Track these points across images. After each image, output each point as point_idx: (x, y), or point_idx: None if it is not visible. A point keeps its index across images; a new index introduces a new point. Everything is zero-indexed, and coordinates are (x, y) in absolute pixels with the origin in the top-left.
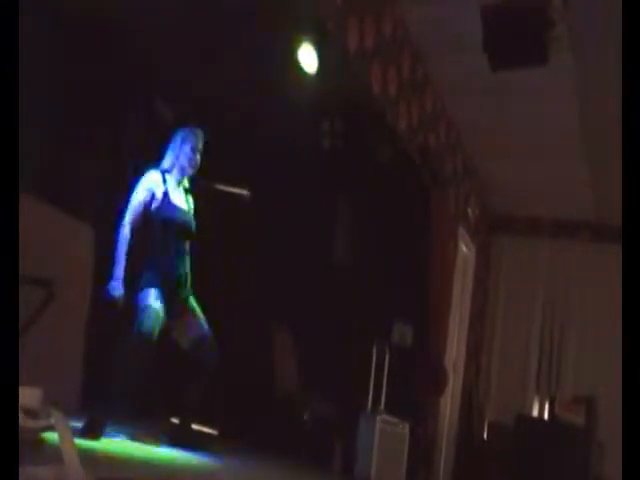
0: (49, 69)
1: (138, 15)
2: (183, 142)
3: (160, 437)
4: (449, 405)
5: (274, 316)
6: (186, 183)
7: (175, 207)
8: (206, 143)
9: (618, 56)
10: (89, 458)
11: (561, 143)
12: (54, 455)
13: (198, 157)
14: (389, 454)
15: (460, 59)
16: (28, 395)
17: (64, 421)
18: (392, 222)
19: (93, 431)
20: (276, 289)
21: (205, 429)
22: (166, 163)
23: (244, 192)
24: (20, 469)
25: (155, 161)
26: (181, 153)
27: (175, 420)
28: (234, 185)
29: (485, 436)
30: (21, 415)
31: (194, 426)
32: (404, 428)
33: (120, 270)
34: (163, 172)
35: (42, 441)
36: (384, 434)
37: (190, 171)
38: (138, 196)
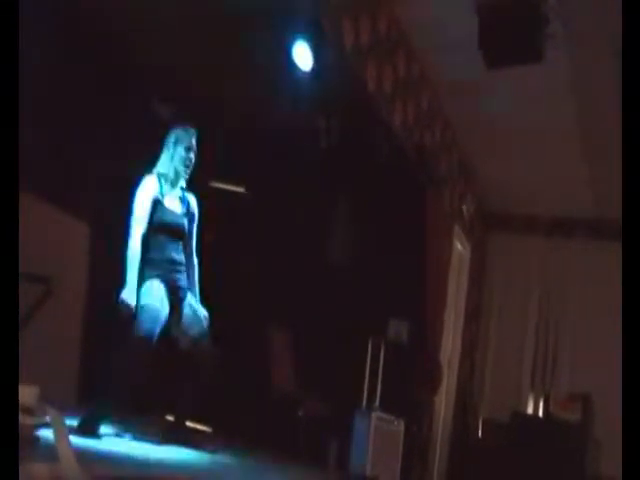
0: (48, 69)
1: (138, 15)
2: (176, 143)
3: (155, 434)
4: (444, 402)
5: (270, 314)
6: (182, 183)
7: (168, 210)
8: (201, 141)
9: (613, 52)
10: (85, 455)
11: (557, 140)
12: (50, 452)
13: (192, 156)
14: (384, 451)
15: (455, 57)
16: (24, 392)
17: (60, 418)
18: (388, 220)
19: (89, 428)
20: (272, 287)
21: (200, 427)
22: (161, 166)
23: (241, 190)
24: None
25: (150, 164)
26: (175, 154)
27: (170, 418)
28: (231, 183)
29: (480, 433)
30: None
31: (189, 424)
32: (399, 425)
33: (134, 278)
34: (159, 176)
35: (38, 438)
36: (379, 431)
37: (186, 171)
38: (142, 206)
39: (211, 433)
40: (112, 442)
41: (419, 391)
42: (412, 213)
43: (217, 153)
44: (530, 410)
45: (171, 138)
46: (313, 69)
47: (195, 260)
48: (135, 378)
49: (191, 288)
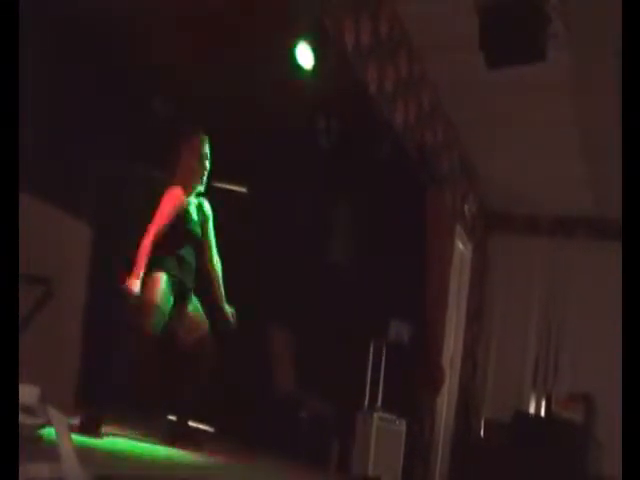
0: (49, 69)
1: (138, 15)
2: (191, 153)
3: (157, 434)
4: (446, 402)
5: (272, 315)
6: (199, 189)
7: (186, 217)
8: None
9: (616, 52)
10: (86, 455)
11: (559, 140)
12: (51, 452)
13: (207, 163)
14: (386, 451)
15: (457, 56)
16: (26, 392)
17: (61, 418)
18: (389, 220)
19: (90, 428)
20: (273, 287)
21: (202, 427)
22: (179, 176)
23: (242, 190)
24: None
25: (165, 171)
26: (191, 164)
27: (172, 417)
28: (232, 183)
29: (482, 433)
30: (19, 413)
31: (191, 423)
32: (401, 425)
33: (140, 269)
34: (181, 187)
35: (40, 438)
36: (381, 431)
37: (201, 179)
38: (165, 214)
39: (213, 433)
40: (114, 442)
41: (421, 391)
42: (413, 213)
43: (218, 153)
44: (532, 410)
45: (187, 149)
46: (314, 68)
47: (217, 264)
48: (136, 376)
49: (195, 287)
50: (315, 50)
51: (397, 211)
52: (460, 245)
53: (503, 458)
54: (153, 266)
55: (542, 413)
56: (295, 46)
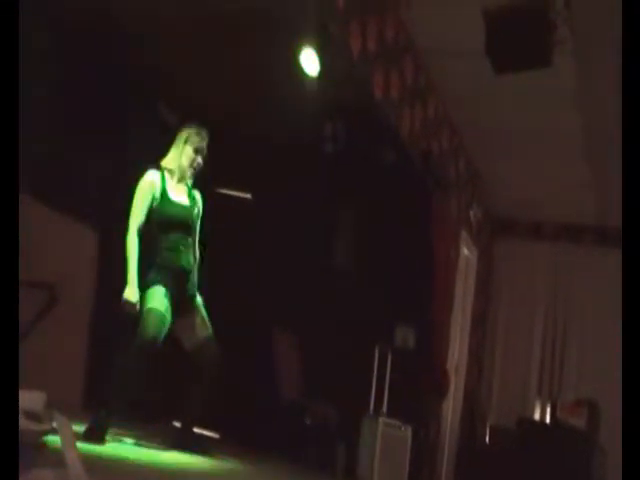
0: (51, 70)
1: (140, 16)
2: (186, 142)
3: (162, 441)
4: (451, 408)
5: (276, 320)
6: (188, 180)
7: (175, 203)
8: (209, 145)
9: (620, 58)
10: (92, 462)
11: (564, 147)
12: (57, 459)
13: (200, 158)
14: (391, 457)
15: (463, 63)
16: (31, 398)
17: (67, 424)
18: (395, 225)
19: (96, 435)
20: (278, 293)
21: (207, 433)
22: (167, 161)
23: (247, 196)
24: (23, 473)
25: (157, 158)
26: (183, 154)
27: (177, 424)
28: (236, 189)
29: (487, 439)
30: (23, 418)
31: (196, 430)
32: (406, 431)
33: (134, 276)
34: (163, 170)
35: (44, 445)
36: (386, 437)
37: (191, 172)
38: (140, 201)
39: (218, 439)
40: (119, 448)
41: (426, 397)
42: (419, 219)
43: (222, 159)
44: (537, 416)
45: (182, 136)
46: (320, 74)
47: (197, 255)
48: (139, 382)
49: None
50: (321, 56)
51: (403, 217)
52: (465, 250)
53: (508, 464)
54: (153, 274)
55: (547, 419)
56: (301, 52)
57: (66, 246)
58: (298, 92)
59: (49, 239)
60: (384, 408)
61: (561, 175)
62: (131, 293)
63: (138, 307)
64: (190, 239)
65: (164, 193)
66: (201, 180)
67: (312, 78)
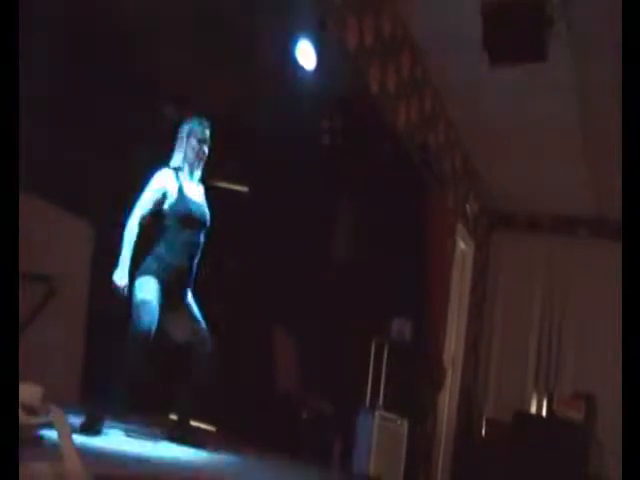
0: (51, 68)
1: (138, 15)
2: (189, 135)
3: (159, 433)
4: (448, 401)
5: (273, 313)
6: (198, 175)
7: (191, 201)
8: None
9: (617, 53)
10: (88, 455)
11: (560, 140)
12: (53, 452)
13: (205, 148)
14: (387, 451)
15: (459, 56)
16: (27, 392)
17: (63, 418)
18: (391, 219)
19: (92, 427)
20: (275, 286)
21: (204, 426)
22: (175, 159)
23: (243, 189)
24: (19, 466)
25: (164, 158)
26: (188, 147)
27: (174, 417)
28: (233, 183)
29: (483, 432)
30: (20, 412)
31: (193, 423)
32: (402, 425)
33: (126, 260)
34: (175, 169)
35: (41, 438)
36: (382, 431)
37: (199, 163)
38: (149, 194)
39: (215, 432)
40: (115, 441)
41: (423, 390)
42: (415, 212)
43: (219, 153)
44: (533, 409)
45: (184, 131)
46: (316, 68)
47: None
48: (134, 374)
49: (193, 284)
50: (318, 50)
51: (399, 210)
52: (462, 244)
53: (504, 457)
54: (150, 263)
55: (544, 412)
56: (298, 45)
57: (63, 240)
58: (295, 86)
59: (46, 233)
60: (380, 401)
61: (557, 168)
62: (120, 276)
63: (126, 290)
64: (202, 237)
65: (180, 191)
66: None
67: (309, 72)
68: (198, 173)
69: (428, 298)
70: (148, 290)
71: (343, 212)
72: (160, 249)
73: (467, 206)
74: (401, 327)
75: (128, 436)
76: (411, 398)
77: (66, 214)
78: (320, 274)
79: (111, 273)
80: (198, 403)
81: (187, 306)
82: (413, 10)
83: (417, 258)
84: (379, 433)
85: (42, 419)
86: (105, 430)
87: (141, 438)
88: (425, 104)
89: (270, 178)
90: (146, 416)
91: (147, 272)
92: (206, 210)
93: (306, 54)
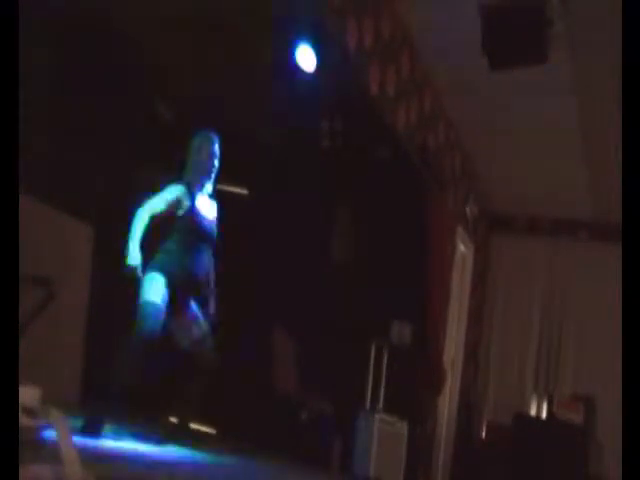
0: (50, 69)
1: (139, 15)
2: (199, 150)
3: (159, 436)
4: (447, 404)
5: (273, 315)
6: (209, 189)
7: (202, 217)
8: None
9: (617, 54)
10: (88, 456)
11: (560, 142)
12: (53, 454)
13: (216, 161)
14: (387, 453)
15: (459, 59)
16: (27, 394)
17: (63, 420)
18: (391, 221)
19: (92, 429)
20: (274, 288)
21: (204, 428)
22: (187, 175)
23: (244, 192)
24: (19, 468)
25: (173, 170)
26: (199, 162)
27: (174, 419)
28: (233, 185)
29: (483, 435)
30: (20, 414)
31: (193, 425)
32: (402, 427)
33: (135, 241)
34: (187, 184)
35: (41, 440)
36: (382, 433)
37: (210, 177)
38: (163, 197)
39: (215, 435)
40: (115, 443)
41: (422, 393)
42: (415, 214)
43: (219, 155)
44: (533, 411)
45: (194, 146)
46: (316, 70)
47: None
48: (136, 377)
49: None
50: (317, 51)
51: (399, 212)
52: (462, 246)
53: (504, 459)
54: (151, 268)
55: (543, 414)
56: (297, 47)
57: (63, 242)
58: (295, 88)
59: (46, 235)
60: (380, 404)
61: (557, 170)
62: (132, 257)
63: (140, 271)
64: (210, 250)
65: (193, 206)
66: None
67: (309, 74)
68: (209, 187)
69: (428, 300)
70: (155, 291)
71: (342, 214)
72: (171, 246)
73: (467, 208)
74: (401, 329)
75: (128, 438)
76: (411, 400)
77: (66, 216)
78: (320, 276)
79: (111, 274)
80: (198, 405)
81: (192, 308)
82: (413, 11)
83: (417, 260)
84: (379, 435)
85: (42, 421)
86: (105, 432)
87: (141, 440)
88: (425, 105)
89: (270, 180)
90: (146, 418)
91: (156, 268)
92: (214, 226)
93: (306, 56)
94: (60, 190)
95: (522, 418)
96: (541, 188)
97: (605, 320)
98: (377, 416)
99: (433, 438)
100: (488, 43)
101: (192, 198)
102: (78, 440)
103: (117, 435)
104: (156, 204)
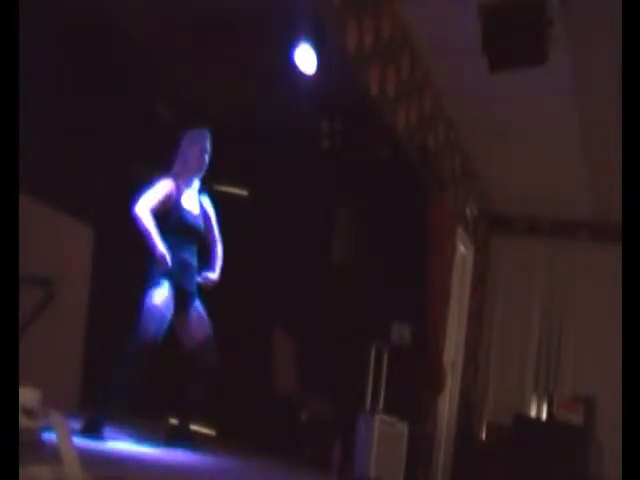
0: (50, 69)
1: (138, 15)
2: (190, 145)
3: (159, 437)
4: (447, 405)
5: (273, 316)
6: (197, 185)
7: (186, 211)
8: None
9: (617, 55)
10: (88, 458)
11: (560, 143)
12: (53, 455)
13: (206, 158)
14: (388, 454)
15: (459, 59)
16: (27, 395)
17: (62, 421)
18: (391, 222)
19: (92, 431)
20: (275, 289)
21: (204, 429)
22: (176, 168)
23: (244, 193)
24: (20, 469)
25: (164, 165)
26: (189, 156)
27: (174, 420)
28: (234, 186)
29: (483, 436)
30: (20, 415)
31: (193, 426)
32: (402, 428)
33: (156, 234)
34: (175, 178)
35: (41, 441)
36: (383, 434)
37: (199, 173)
38: (155, 193)
39: (215, 436)
40: (115, 444)
41: (422, 393)
42: (415, 215)
43: (219, 156)
44: (533, 413)
45: (185, 140)
46: (316, 71)
47: (218, 259)
48: (137, 379)
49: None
50: (317, 51)
51: (399, 213)
52: (462, 247)
53: (504, 460)
54: (155, 275)
55: (543, 415)
56: (297, 47)
57: (63, 243)
58: (295, 89)
59: (46, 235)
60: (380, 405)
61: (557, 171)
62: (161, 250)
63: (169, 259)
64: (196, 245)
65: (178, 200)
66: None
67: (309, 75)
68: (197, 182)
69: (428, 301)
70: (159, 296)
71: (342, 215)
72: (166, 244)
73: (467, 209)
74: (401, 330)
75: (128, 440)
76: (411, 401)
77: (66, 216)
78: (320, 276)
79: (111, 275)
80: (198, 407)
81: (195, 310)
82: (413, 11)
83: (417, 261)
84: (379, 436)
85: (42, 422)
86: (105, 433)
87: (141, 442)
88: (425, 106)
89: (270, 181)
90: (146, 420)
91: (157, 281)
92: (201, 221)
93: (305, 56)
94: (60, 190)
95: (522, 419)
96: (541, 189)
97: (605, 321)
98: (377, 417)
99: (433, 439)
100: (488, 43)
101: (179, 193)
102: (78, 441)
103: (117, 436)
104: (150, 200)
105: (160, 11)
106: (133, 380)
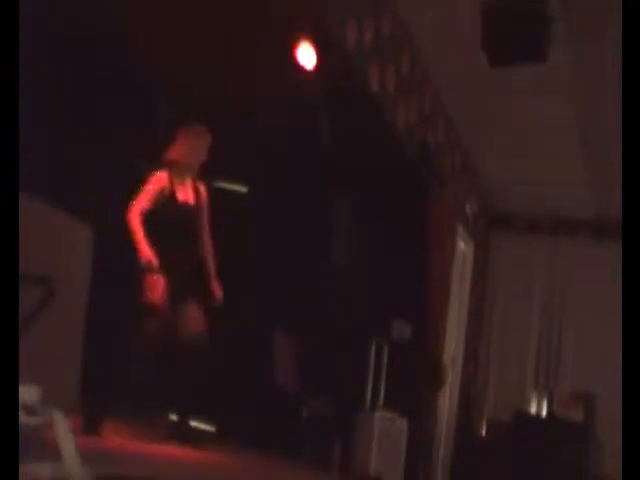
0: (49, 69)
1: (138, 15)
2: (188, 139)
3: (158, 434)
4: (447, 401)
5: (273, 313)
6: (192, 179)
7: (180, 205)
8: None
9: (617, 53)
10: (88, 455)
11: (560, 140)
12: (53, 452)
13: (204, 153)
14: (388, 450)
15: (459, 56)
16: (27, 392)
17: (63, 418)
18: (391, 219)
19: (92, 428)
20: (274, 286)
21: (203, 426)
22: (173, 161)
23: (243, 190)
24: (20, 467)
25: (161, 160)
26: (187, 150)
27: (173, 417)
28: (233, 183)
29: (483, 432)
30: (20, 413)
31: (192, 423)
32: (403, 424)
33: (142, 238)
34: (169, 171)
35: (41, 439)
36: (383, 430)
37: (195, 168)
38: (148, 191)
39: (214, 433)
40: (115, 441)
41: (422, 389)
42: (415, 212)
43: (218, 153)
44: (533, 409)
45: (183, 134)
46: (316, 68)
47: (209, 250)
48: (137, 377)
49: (195, 285)
50: (317, 49)
51: (399, 211)
52: (461, 244)
53: (504, 457)
54: (150, 270)
55: (543, 412)
56: (297, 45)
57: (63, 241)
58: (294, 86)
59: (46, 234)
60: (380, 401)
61: (557, 168)
62: (145, 252)
63: (155, 262)
64: (191, 237)
65: (172, 194)
66: (198, 174)
67: (308, 72)
68: (193, 175)
69: (428, 298)
70: (154, 291)
71: (342, 212)
72: (161, 239)
73: (467, 206)
74: (401, 327)
75: (128, 436)
76: (411, 397)
77: (65, 215)
78: (320, 274)
79: (110, 275)
80: (198, 403)
81: (192, 306)
82: (413, 9)
83: (417, 258)
84: (379, 433)
85: (41, 419)
86: (105, 430)
87: (141, 438)
88: (425, 103)
89: (269, 178)
90: (146, 417)
91: (154, 272)
92: (195, 215)
93: (305, 54)
94: (60, 190)
95: (522, 416)
96: (541, 186)
97: (605, 318)
98: (377, 413)
99: (433, 435)
100: (488, 42)
101: (171, 187)
102: (78, 438)
103: (116, 433)
104: (143, 201)
105: (160, 10)
106: (134, 378)
